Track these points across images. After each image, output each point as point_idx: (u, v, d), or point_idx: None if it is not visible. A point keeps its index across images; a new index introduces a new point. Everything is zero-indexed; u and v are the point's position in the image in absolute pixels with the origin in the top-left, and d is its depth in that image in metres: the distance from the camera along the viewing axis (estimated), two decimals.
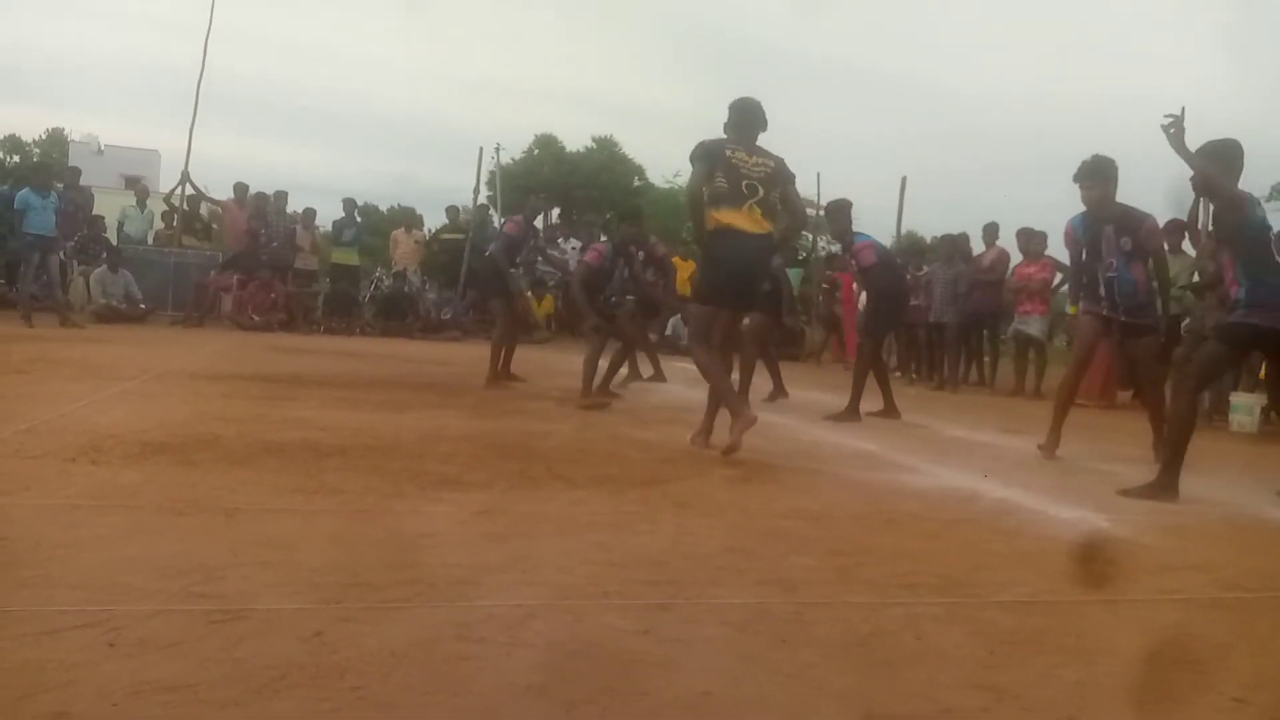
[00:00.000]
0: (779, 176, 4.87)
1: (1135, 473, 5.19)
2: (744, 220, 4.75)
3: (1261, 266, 4.39)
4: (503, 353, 8.27)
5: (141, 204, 15.81)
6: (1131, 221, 5.45)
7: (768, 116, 5.07)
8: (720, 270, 4.91)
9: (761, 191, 4.77)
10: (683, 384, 9.21)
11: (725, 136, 4.95)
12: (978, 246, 12.23)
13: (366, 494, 3.46)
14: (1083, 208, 5.58)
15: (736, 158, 4.82)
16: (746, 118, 4.96)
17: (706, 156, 4.84)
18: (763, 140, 5.06)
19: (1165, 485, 4.37)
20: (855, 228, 7.61)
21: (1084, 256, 5.65)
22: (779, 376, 8.11)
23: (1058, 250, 11.03)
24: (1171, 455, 4.43)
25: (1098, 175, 5.45)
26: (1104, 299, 5.56)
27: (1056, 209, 5.74)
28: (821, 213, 19.92)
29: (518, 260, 8.50)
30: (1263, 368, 9.35)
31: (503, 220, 18.09)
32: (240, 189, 15.59)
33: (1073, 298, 6.04)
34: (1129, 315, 5.56)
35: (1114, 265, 5.47)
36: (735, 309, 5.21)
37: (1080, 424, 5.77)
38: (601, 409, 6.65)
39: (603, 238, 8.21)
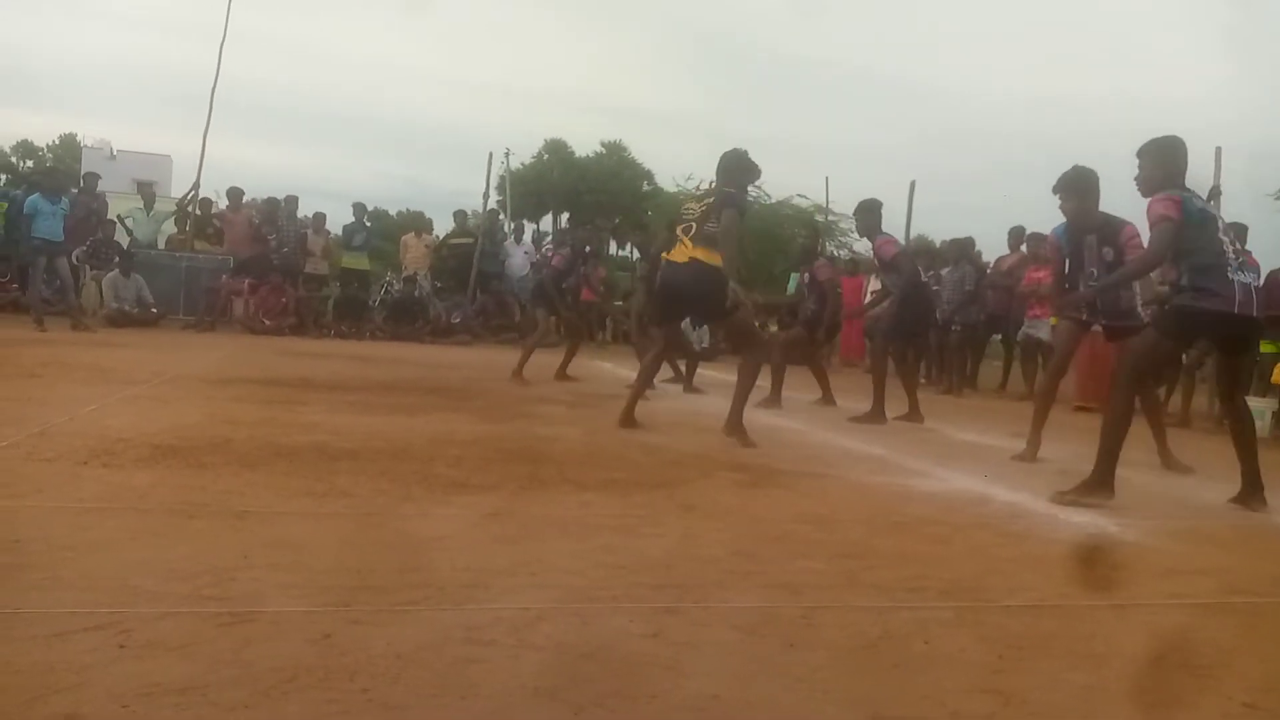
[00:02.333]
0: (715, 206, 5.49)
1: (1144, 479, 5.18)
2: (674, 254, 5.59)
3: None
4: (564, 357, 9.16)
5: (148, 207, 15.84)
6: (1111, 230, 5.39)
7: (746, 163, 5.75)
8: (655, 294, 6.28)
9: (695, 227, 5.46)
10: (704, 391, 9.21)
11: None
12: (1002, 249, 12.22)
13: (376, 497, 3.48)
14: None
15: (685, 209, 5.72)
16: (721, 165, 5.73)
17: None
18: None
19: (1098, 483, 4.20)
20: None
21: (1067, 267, 5.62)
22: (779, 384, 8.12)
23: None
24: (1104, 453, 4.23)
25: (1072, 187, 5.40)
26: (1084, 306, 5.54)
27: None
28: (830, 217, 19.96)
29: (565, 285, 9.21)
30: (1275, 371, 9.30)
31: (511, 225, 18.13)
32: (235, 194, 15.63)
33: (1055, 309, 6.00)
34: (1110, 319, 5.53)
35: (1095, 275, 5.43)
36: (665, 321, 6.50)
37: (1087, 428, 5.74)
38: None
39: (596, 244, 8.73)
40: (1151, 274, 6.41)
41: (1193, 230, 4.19)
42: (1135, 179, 4.49)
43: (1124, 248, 5.37)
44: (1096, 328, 5.75)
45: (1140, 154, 4.47)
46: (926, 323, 8.80)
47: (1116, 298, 5.48)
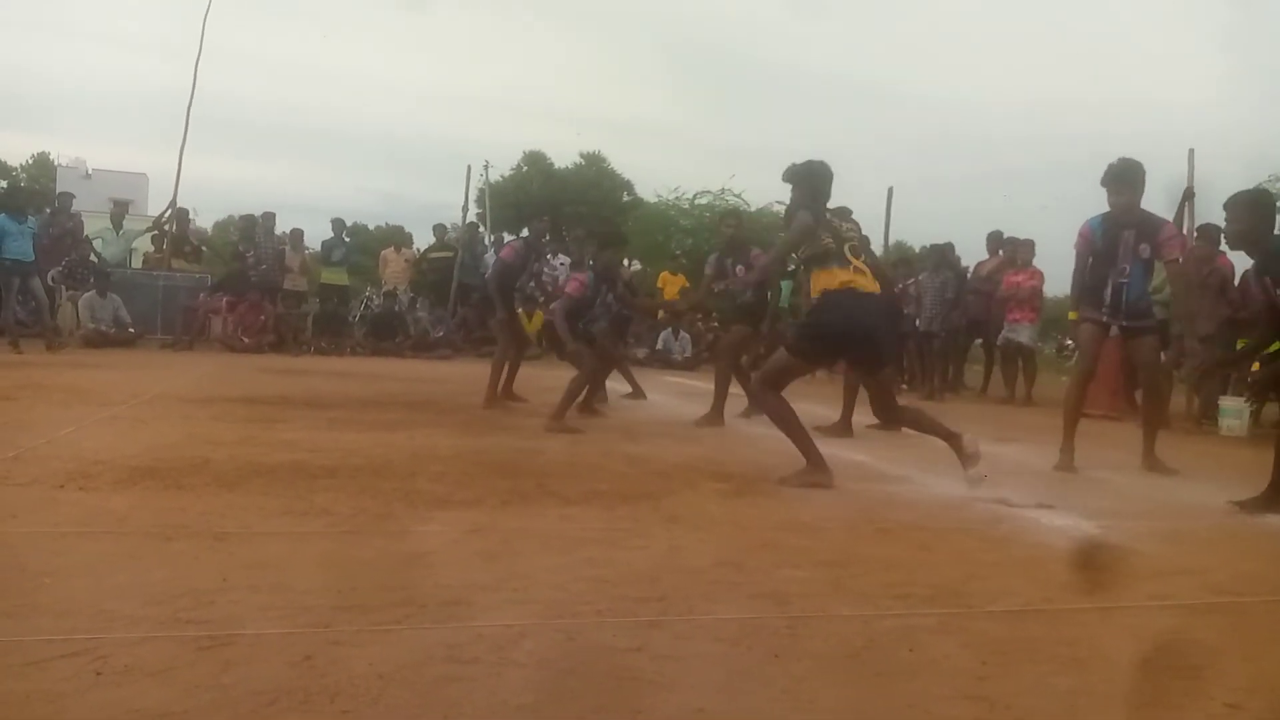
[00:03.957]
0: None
1: (1127, 480, 5.21)
2: (864, 283, 4.58)
3: None
4: (505, 372, 8.18)
5: (117, 226, 15.71)
6: (1151, 227, 5.38)
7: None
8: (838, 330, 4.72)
9: (861, 252, 4.63)
10: (671, 398, 9.21)
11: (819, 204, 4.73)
12: (980, 254, 12.31)
13: (356, 515, 3.45)
14: (1092, 211, 5.49)
15: (846, 228, 4.69)
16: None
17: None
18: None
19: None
20: None
21: (1091, 261, 5.58)
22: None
23: (1045, 258, 11.11)
24: None
25: (1125, 180, 5.36)
26: (1107, 305, 5.49)
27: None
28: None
29: (516, 286, 8.32)
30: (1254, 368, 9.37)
31: (491, 238, 18.12)
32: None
33: (1074, 302, 5.90)
34: (1130, 319, 5.52)
35: (1128, 270, 5.40)
36: (824, 361, 5.50)
37: (1080, 432, 5.75)
38: (572, 433, 6.28)
39: (590, 263, 8.03)
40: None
41: None
42: (1224, 232, 4.57)
43: (1161, 246, 5.37)
44: (1115, 331, 5.73)
45: (1228, 207, 4.53)
46: (893, 329, 8.53)
47: (1141, 297, 5.49)
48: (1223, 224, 4.57)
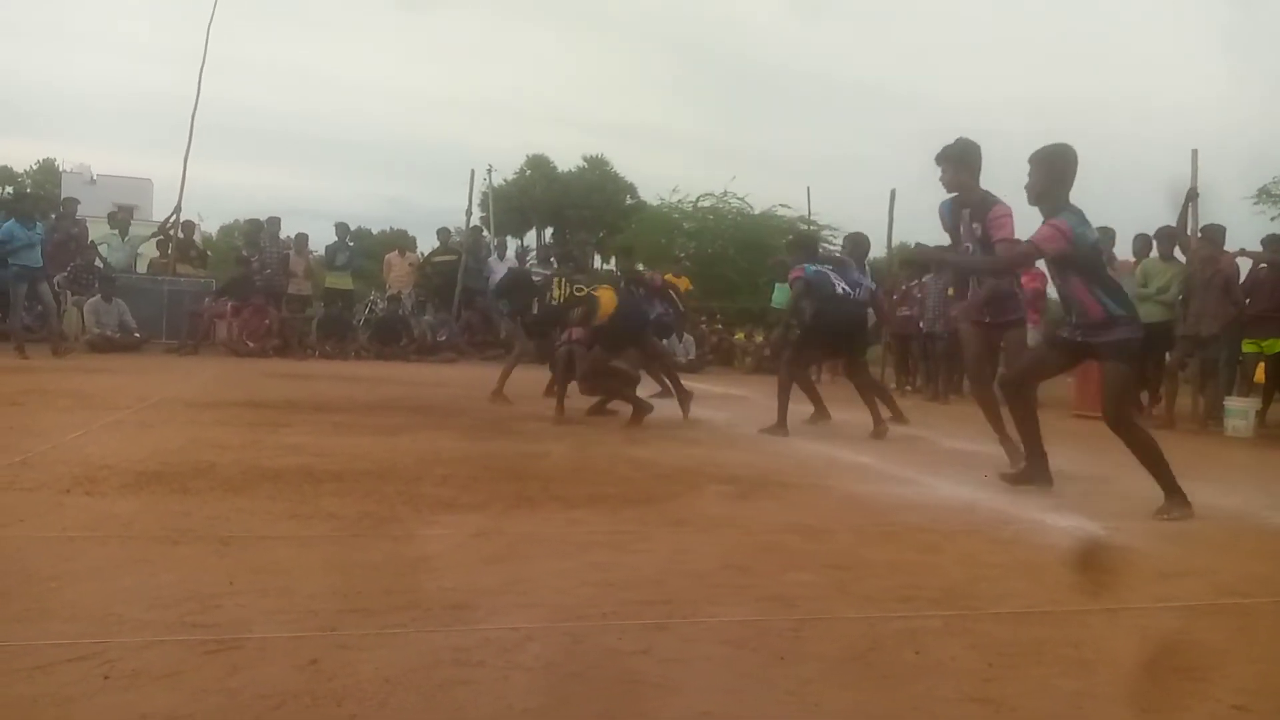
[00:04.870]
0: None
1: (1132, 481, 5.19)
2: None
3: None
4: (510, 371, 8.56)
5: (122, 232, 15.73)
6: (984, 208, 5.26)
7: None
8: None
9: None
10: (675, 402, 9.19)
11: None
12: None
13: (362, 519, 3.46)
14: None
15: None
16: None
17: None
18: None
19: (1177, 501, 4.16)
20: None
21: (950, 244, 5.58)
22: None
23: None
24: (1155, 470, 4.23)
25: (949, 159, 5.34)
26: (968, 294, 5.46)
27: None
28: (811, 227, 20.01)
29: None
30: (1258, 370, 9.38)
31: (495, 242, 18.15)
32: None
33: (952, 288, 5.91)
34: (994, 317, 5.49)
35: (970, 250, 5.32)
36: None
37: (1080, 433, 5.75)
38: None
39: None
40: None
41: (1096, 256, 4.42)
42: (1025, 186, 4.48)
43: (989, 225, 5.23)
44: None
45: (1031, 161, 4.45)
46: (840, 341, 8.13)
47: (992, 287, 5.40)
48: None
